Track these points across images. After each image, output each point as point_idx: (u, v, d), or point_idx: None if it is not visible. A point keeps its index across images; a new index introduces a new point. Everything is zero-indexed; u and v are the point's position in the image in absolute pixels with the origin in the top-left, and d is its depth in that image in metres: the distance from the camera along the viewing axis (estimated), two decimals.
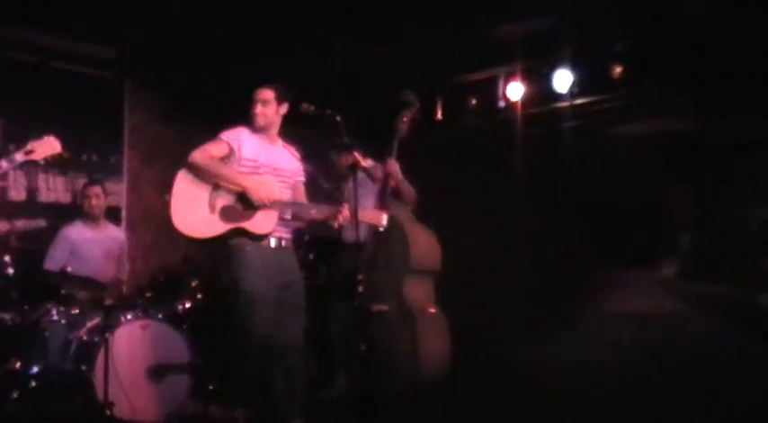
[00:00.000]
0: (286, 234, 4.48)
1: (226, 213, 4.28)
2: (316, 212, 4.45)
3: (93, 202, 5.63)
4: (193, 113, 6.99)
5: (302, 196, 4.61)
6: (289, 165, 4.58)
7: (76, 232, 5.62)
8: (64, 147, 4.20)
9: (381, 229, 4.41)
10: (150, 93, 7.02)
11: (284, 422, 4.38)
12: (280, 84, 4.50)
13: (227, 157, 4.38)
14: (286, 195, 4.47)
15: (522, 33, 6.12)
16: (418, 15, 5.90)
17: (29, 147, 3.90)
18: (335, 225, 4.31)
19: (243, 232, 4.27)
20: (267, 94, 4.43)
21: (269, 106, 4.42)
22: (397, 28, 6.10)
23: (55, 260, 5.44)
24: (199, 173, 4.33)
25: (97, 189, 5.71)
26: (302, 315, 4.47)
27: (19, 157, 3.91)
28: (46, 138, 3.98)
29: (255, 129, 4.47)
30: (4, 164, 3.92)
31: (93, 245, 5.61)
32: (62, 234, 5.61)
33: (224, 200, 4.32)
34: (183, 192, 4.34)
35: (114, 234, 5.84)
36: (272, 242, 4.37)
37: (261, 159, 4.42)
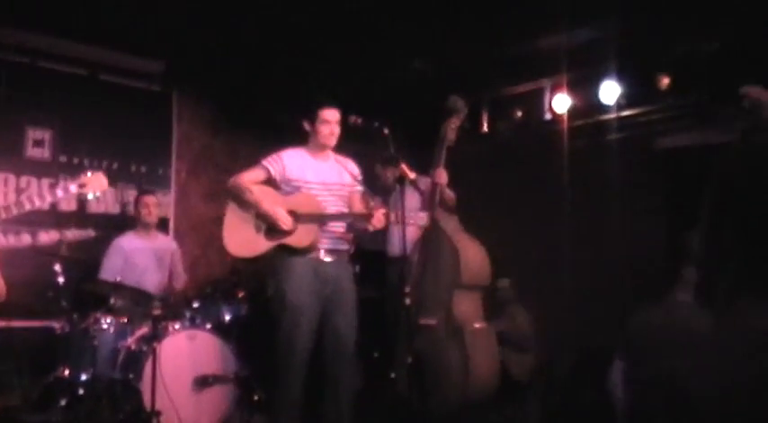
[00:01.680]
0: (334, 246, 4.51)
1: (270, 232, 4.44)
2: (352, 217, 4.53)
3: (151, 210, 5.77)
4: (240, 126, 7.07)
5: (359, 206, 4.63)
6: (339, 178, 4.62)
7: (128, 242, 5.71)
8: (112, 184, 4.44)
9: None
10: (198, 105, 7.11)
11: None
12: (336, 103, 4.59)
13: (268, 181, 4.53)
14: (336, 208, 4.53)
15: (568, 44, 6.07)
16: (463, 27, 5.89)
17: (82, 180, 4.07)
18: (370, 228, 4.33)
19: (286, 248, 4.40)
20: (337, 114, 4.52)
21: (337, 126, 4.53)
22: (442, 40, 6.09)
23: (109, 271, 5.53)
24: (231, 197, 4.57)
25: (153, 199, 5.85)
26: (353, 325, 4.50)
27: (73, 189, 4.08)
28: (96, 174, 4.16)
29: (318, 148, 4.57)
30: (60, 192, 4.13)
31: (145, 254, 5.70)
32: (115, 244, 5.71)
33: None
34: (233, 217, 4.55)
35: (165, 244, 5.92)
36: (321, 254, 4.45)
37: (306, 177, 4.52)
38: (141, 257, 5.66)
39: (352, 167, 4.69)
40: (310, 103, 4.53)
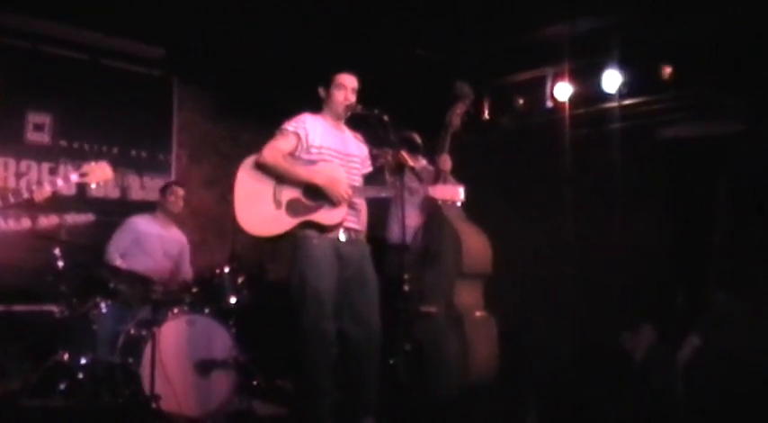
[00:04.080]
0: (356, 225, 4.21)
1: (292, 207, 4.06)
2: (386, 194, 4.28)
3: (178, 201, 5.84)
4: (241, 112, 7.06)
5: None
6: (358, 151, 4.36)
7: (144, 223, 5.76)
8: (115, 171, 4.22)
9: (459, 203, 4.19)
10: (198, 91, 7.10)
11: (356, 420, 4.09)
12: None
13: (296, 148, 4.17)
14: (357, 182, 4.25)
15: (571, 33, 6.05)
16: (465, 15, 5.87)
17: (84, 169, 3.96)
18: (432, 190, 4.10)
19: (312, 225, 4.06)
20: (354, 80, 4.26)
21: (353, 94, 4.26)
22: (444, 28, 6.07)
23: (116, 247, 5.60)
24: (268, 172, 4.11)
25: (182, 191, 5.91)
26: (377, 309, 4.15)
27: (74, 178, 3.97)
28: (100, 163, 4.01)
29: (334, 115, 4.28)
30: (60, 182, 3.97)
31: (156, 240, 5.73)
32: (130, 222, 5.75)
33: (289, 193, 4.09)
34: (245, 190, 4.12)
35: (177, 237, 5.93)
36: (341, 235, 4.13)
37: (329, 145, 4.19)
38: (151, 243, 5.69)
39: (363, 142, 4.45)
40: (326, 69, 4.24)
